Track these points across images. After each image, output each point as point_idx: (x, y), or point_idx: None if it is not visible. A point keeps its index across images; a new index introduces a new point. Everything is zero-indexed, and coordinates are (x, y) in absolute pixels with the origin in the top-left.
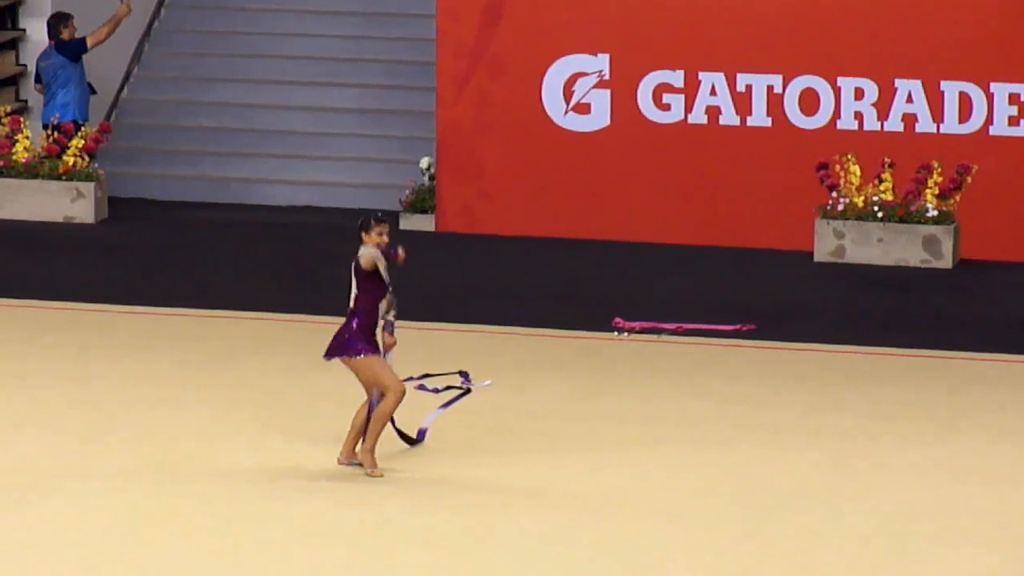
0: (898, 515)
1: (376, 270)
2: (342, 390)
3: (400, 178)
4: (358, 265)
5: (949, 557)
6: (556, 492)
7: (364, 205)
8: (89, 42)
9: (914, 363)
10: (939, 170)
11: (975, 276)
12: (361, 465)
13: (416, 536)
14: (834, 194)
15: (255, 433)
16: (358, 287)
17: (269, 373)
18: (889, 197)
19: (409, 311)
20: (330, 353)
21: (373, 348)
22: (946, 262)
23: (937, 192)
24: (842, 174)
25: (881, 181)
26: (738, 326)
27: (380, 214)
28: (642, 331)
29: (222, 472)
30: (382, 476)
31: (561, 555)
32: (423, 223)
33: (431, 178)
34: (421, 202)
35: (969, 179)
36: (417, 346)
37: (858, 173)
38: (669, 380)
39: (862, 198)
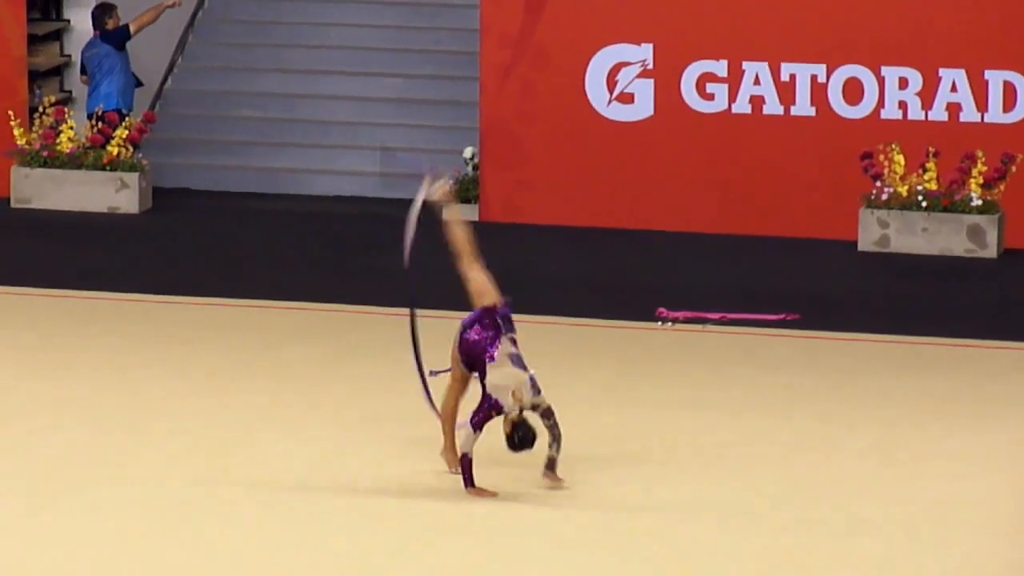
0: (944, 504)
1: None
2: (384, 378)
3: (444, 168)
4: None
5: (995, 546)
6: (594, 481)
7: (407, 196)
8: (132, 28)
9: (959, 352)
10: (983, 159)
11: (1020, 265)
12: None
13: (455, 524)
14: (878, 183)
15: (298, 423)
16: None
17: (312, 362)
18: (933, 186)
19: (451, 300)
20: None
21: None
22: (991, 251)
23: (982, 181)
24: (886, 163)
25: (925, 170)
26: (782, 316)
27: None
28: (686, 321)
29: (265, 462)
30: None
31: (599, 540)
32: (467, 213)
33: (475, 168)
34: (465, 192)
35: (1014, 168)
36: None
37: (902, 162)
38: (712, 369)
39: (906, 187)
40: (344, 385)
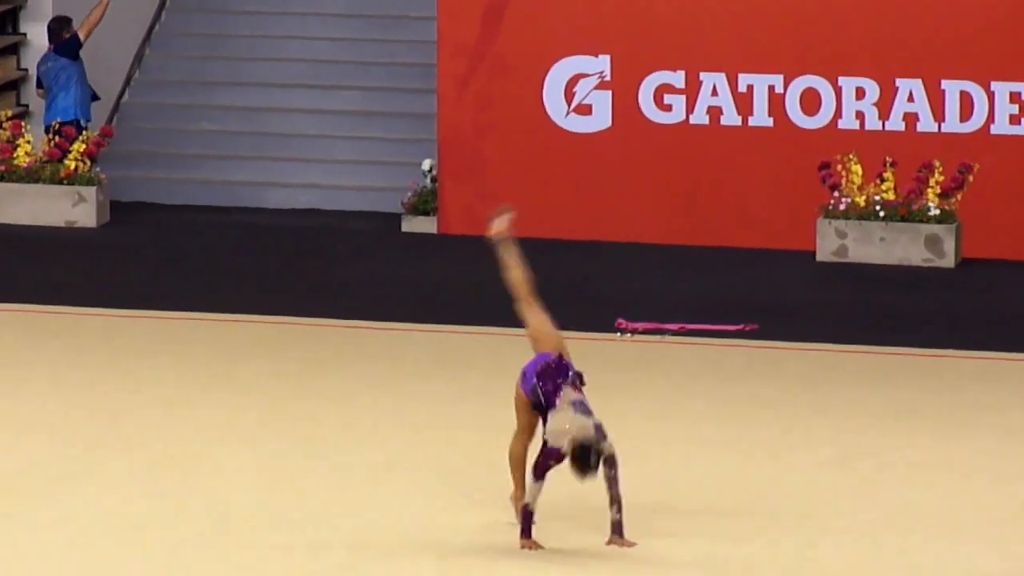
0: (904, 513)
1: None
2: (346, 392)
3: (402, 180)
4: None
5: (955, 555)
6: (550, 492)
7: (367, 208)
8: (82, 34)
9: (917, 362)
10: (941, 169)
11: (977, 275)
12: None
13: (417, 541)
14: (836, 194)
15: (258, 437)
16: None
17: (273, 376)
18: (891, 196)
19: (410, 313)
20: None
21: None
22: (948, 261)
23: (939, 191)
24: (844, 174)
25: (883, 180)
26: (741, 326)
27: None
28: (645, 332)
29: (226, 477)
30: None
31: (560, 545)
32: (425, 225)
33: (433, 180)
34: (423, 204)
35: (971, 178)
36: (417, 347)
37: (860, 172)
38: (672, 381)
39: (864, 197)
40: (305, 399)
